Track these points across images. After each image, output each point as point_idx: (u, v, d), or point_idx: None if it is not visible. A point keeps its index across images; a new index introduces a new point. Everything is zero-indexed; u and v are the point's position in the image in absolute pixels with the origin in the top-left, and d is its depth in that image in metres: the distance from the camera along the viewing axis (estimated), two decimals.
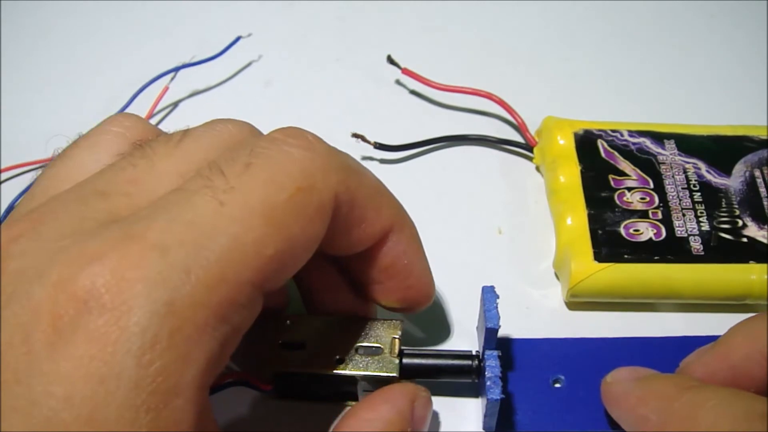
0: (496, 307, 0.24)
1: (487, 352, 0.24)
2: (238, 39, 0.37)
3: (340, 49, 0.39)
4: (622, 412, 0.23)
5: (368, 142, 0.33)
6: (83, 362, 0.16)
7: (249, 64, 0.38)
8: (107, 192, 0.19)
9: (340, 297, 0.25)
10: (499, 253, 0.30)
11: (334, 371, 0.24)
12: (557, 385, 0.26)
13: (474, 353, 0.25)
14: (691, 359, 0.23)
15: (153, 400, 0.16)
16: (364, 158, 0.33)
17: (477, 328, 0.27)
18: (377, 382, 0.25)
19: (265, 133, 0.21)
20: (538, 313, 0.29)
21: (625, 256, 0.28)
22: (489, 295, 0.24)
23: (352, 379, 0.25)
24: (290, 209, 0.19)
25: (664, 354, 0.26)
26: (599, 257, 0.28)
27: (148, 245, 0.17)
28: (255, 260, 0.18)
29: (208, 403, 0.18)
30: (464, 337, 0.28)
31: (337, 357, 0.25)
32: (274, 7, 0.41)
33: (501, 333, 0.24)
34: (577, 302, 0.28)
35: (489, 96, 0.34)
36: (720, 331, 0.27)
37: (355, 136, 0.32)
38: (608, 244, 0.28)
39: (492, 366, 0.23)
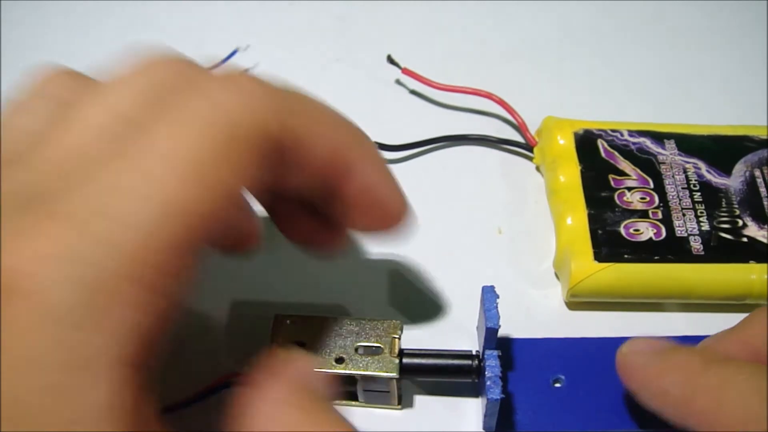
0: (496, 307, 0.24)
1: (487, 352, 0.24)
2: (234, 52, 0.36)
3: (340, 49, 0.39)
4: (639, 384, 0.22)
5: None
6: (2, 349, 0.15)
7: (249, 64, 0.38)
8: (28, 161, 0.18)
9: (309, 228, 0.25)
10: (499, 253, 0.30)
11: (334, 371, 0.24)
12: (557, 385, 0.26)
13: (474, 353, 0.25)
14: (709, 342, 0.23)
15: (73, 382, 0.15)
16: None
17: (477, 328, 0.27)
18: (377, 382, 0.25)
19: None
20: (538, 313, 0.29)
21: (625, 256, 0.28)
22: (489, 295, 0.24)
23: (352, 379, 0.25)
24: (217, 161, 0.18)
25: None
26: (599, 257, 0.28)
27: (64, 219, 0.16)
28: (181, 220, 0.17)
29: (147, 384, 0.17)
30: (464, 337, 0.28)
31: (337, 357, 0.25)
32: (274, 6, 0.41)
33: (501, 333, 0.24)
34: (577, 302, 0.28)
35: (489, 96, 0.34)
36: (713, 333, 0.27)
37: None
38: (608, 244, 0.28)
39: (492, 366, 0.23)
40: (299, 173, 0.21)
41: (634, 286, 0.28)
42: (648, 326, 0.28)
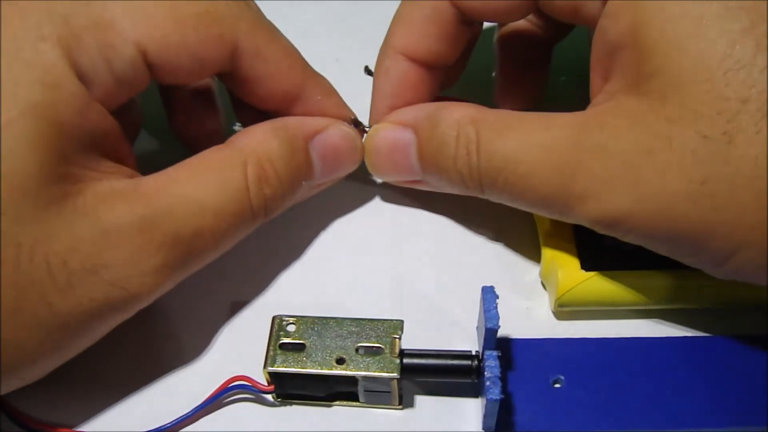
0: (496, 307, 0.24)
1: (487, 352, 0.24)
2: None
3: (340, 49, 0.39)
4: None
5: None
6: None
7: None
8: None
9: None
10: (498, 254, 0.30)
11: (335, 371, 0.25)
12: (557, 385, 0.26)
13: (474, 353, 0.25)
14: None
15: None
16: None
17: (477, 328, 0.27)
18: (378, 382, 0.25)
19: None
20: (528, 322, 0.28)
21: (612, 265, 0.27)
22: (489, 295, 0.24)
23: (353, 380, 0.25)
24: (192, 22, 0.25)
25: (664, 354, 0.26)
26: (586, 266, 0.27)
27: None
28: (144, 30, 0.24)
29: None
30: (464, 337, 0.28)
31: (338, 357, 0.25)
32: (274, 6, 0.41)
33: (501, 333, 0.24)
34: (565, 311, 0.28)
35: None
36: (713, 334, 0.27)
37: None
38: (594, 253, 0.27)
39: (491, 366, 0.23)
40: (255, 86, 0.28)
41: (621, 294, 0.27)
42: (636, 333, 0.28)
